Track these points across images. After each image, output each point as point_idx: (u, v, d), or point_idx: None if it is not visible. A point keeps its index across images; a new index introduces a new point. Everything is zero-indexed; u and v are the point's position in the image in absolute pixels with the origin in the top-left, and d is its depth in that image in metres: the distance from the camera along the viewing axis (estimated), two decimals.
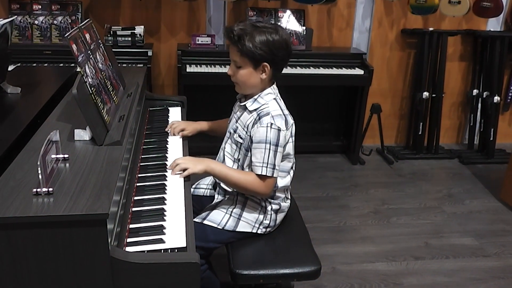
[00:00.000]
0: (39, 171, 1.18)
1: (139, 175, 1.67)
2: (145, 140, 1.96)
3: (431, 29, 3.79)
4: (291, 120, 1.76)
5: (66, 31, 3.30)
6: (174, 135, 2.02)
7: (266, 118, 1.69)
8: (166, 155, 1.84)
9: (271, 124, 1.67)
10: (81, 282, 1.20)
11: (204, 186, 2.04)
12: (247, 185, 1.71)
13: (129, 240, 1.32)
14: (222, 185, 1.84)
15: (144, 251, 1.28)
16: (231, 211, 1.81)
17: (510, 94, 4.20)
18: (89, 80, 1.54)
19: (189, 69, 3.34)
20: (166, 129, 2.04)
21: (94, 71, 1.63)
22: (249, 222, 1.81)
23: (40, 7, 3.36)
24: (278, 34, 1.67)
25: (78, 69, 1.50)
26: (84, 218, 1.14)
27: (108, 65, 1.88)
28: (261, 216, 1.82)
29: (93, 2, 3.51)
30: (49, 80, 2.29)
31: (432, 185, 3.58)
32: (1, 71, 1.90)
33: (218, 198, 1.87)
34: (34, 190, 1.19)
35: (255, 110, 1.74)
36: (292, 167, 1.85)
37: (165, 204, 1.51)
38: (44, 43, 3.32)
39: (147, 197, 1.54)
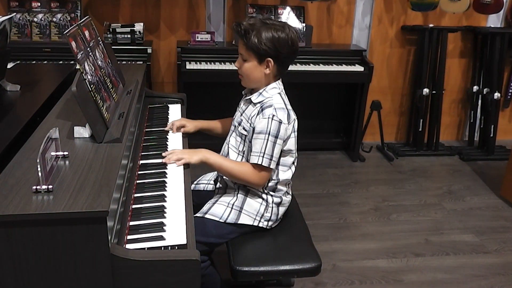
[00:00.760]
0: (39, 169, 1.18)
1: (139, 173, 1.67)
2: (145, 138, 1.95)
3: (431, 25, 3.79)
4: (293, 115, 1.78)
5: (65, 28, 3.30)
6: (174, 132, 2.02)
7: (269, 110, 1.71)
8: (175, 149, 1.83)
9: (273, 115, 1.70)
10: (81, 280, 1.20)
11: (205, 182, 2.05)
12: (240, 175, 1.74)
13: (129, 237, 1.32)
14: (224, 178, 1.86)
15: (144, 249, 1.28)
16: (233, 204, 1.82)
17: (510, 90, 4.20)
18: (89, 77, 1.54)
19: (189, 66, 3.34)
20: (166, 128, 2.04)
21: (93, 69, 1.63)
22: (250, 214, 1.82)
23: (39, 4, 3.35)
24: (285, 32, 1.70)
25: (78, 67, 1.49)
26: (84, 216, 1.14)
27: (107, 63, 1.87)
28: (263, 208, 1.82)
29: (92, 0, 3.50)
30: (48, 77, 2.28)
31: (432, 181, 3.58)
32: (0, 69, 1.89)
33: (219, 192, 1.88)
34: (34, 187, 1.19)
35: (259, 102, 1.77)
36: (293, 162, 1.86)
37: (165, 201, 1.50)
38: (43, 41, 3.32)
39: (147, 194, 1.54)
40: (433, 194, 3.37)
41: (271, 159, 1.71)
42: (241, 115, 1.83)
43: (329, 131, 4.01)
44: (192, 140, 2.04)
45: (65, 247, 1.16)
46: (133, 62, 3.29)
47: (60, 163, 1.36)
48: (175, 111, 2.28)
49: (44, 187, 1.19)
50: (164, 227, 1.37)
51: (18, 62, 3.01)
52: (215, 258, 1.87)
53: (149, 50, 3.33)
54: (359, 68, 3.55)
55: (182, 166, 1.73)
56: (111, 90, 1.76)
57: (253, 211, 1.82)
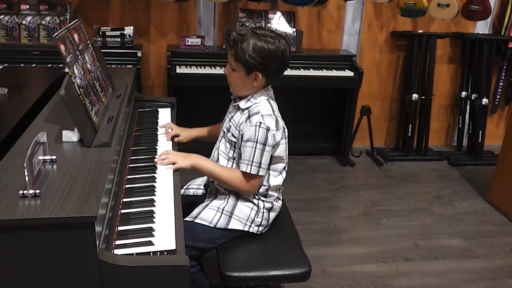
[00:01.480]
0: (26, 173, 1.16)
1: (128, 177, 1.65)
2: (134, 142, 1.94)
3: (420, 31, 3.82)
4: (281, 123, 1.76)
5: (54, 31, 3.27)
6: (168, 140, 2.00)
7: (256, 117, 1.69)
8: (156, 156, 1.82)
9: (260, 123, 1.68)
10: (69, 286, 1.18)
11: (195, 187, 2.04)
12: (230, 181, 1.74)
13: (117, 242, 1.31)
14: (215, 184, 1.85)
15: (133, 254, 1.27)
16: (223, 209, 1.81)
17: (498, 96, 4.24)
18: (78, 81, 1.52)
19: (179, 70, 3.33)
20: (160, 128, 2.03)
21: (82, 72, 1.62)
22: (241, 219, 1.81)
23: (28, 7, 3.33)
24: (275, 44, 1.65)
25: (66, 70, 1.48)
26: (72, 221, 1.12)
27: (97, 66, 1.86)
28: (253, 214, 1.82)
29: (82, 3, 3.48)
30: (36, 80, 2.26)
31: (421, 186, 3.60)
32: None
33: (209, 197, 1.87)
34: (21, 192, 1.18)
35: (247, 109, 1.75)
36: (284, 168, 1.86)
37: (154, 206, 1.49)
38: (32, 44, 3.29)
39: (136, 199, 1.53)
40: (422, 199, 3.39)
41: (259, 167, 1.70)
42: (230, 121, 1.82)
43: (319, 136, 4.02)
44: (185, 145, 2.02)
45: (53, 253, 1.14)
46: (123, 66, 3.27)
47: (48, 168, 1.34)
48: (165, 115, 2.27)
49: (31, 192, 1.18)
50: (153, 232, 1.36)
51: (6, 65, 2.98)
52: (205, 263, 1.85)
53: (139, 54, 3.32)
54: (349, 73, 3.56)
55: (172, 170, 1.72)
56: (100, 94, 1.75)
57: (243, 216, 1.81)
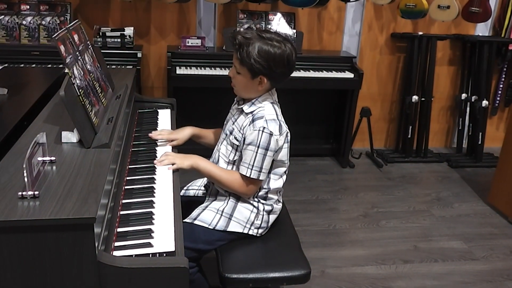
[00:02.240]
0: (25, 174, 1.16)
1: (127, 178, 1.65)
2: (134, 143, 1.94)
3: (420, 33, 3.82)
4: (285, 127, 1.75)
5: (54, 31, 3.27)
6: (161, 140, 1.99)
7: (260, 121, 1.69)
8: (156, 157, 1.82)
9: (264, 128, 1.67)
10: (68, 287, 1.18)
11: (195, 187, 2.03)
12: (228, 184, 1.74)
13: (116, 244, 1.31)
14: (215, 185, 1.84)
15: (132, 255, 1.26)
16: (222, 211, 1.80)
17: (498, 98, 4.24)
18: (77, 81, 1.52)
19: (179, 71, 3.33)
20: (152, 135, 1.97)
21: (82, 73, 1.62)
22: (241, 222, 1.80)
23: (28, 7, 3.32)
24: (281, 48, 1.64)
25: (66, 71, 1.48)
26: (71, 222, 1.12)
27: (96, 67, 1.86)
28: (253, 216, 1.81)
29: (82, 3, 3.48)
30: (36, 81, 2.26)
31: (421, 188, 3.59)
32: None
33: (209, 199, 1.87)
34: (20, 193, 1.17)
35: (251, 112, 1.74)
36: (285, 172, 1.85)
37: (153, 207, 1.49)
38: (32, 44, 3.29)
39: (135, 200, 1.52)
40: (422, 201, 3.39)
41: (260, 171, 1.70)
42: (233, 124, 1.81)
43: (318, 137, 4.02)
44: (185, 145, 2.02)
45: (51, 254, 1.14)
46: (123, 67, 3.27)
47: (47, 169, 1.34)
48: (164, 116, 2.27)
49: (30, 193, 1.17)
50: (152, 234, 1.35)
51: (6, 65, 2.98)
52: (204, 265, 1.85)
53: (139, 55, 3.32)
54: (349, 74, 3.56)
55: (171, 172, 1.71)
56: (100, 94, 1.75)
57: (243, 219, 1.81)
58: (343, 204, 3.28)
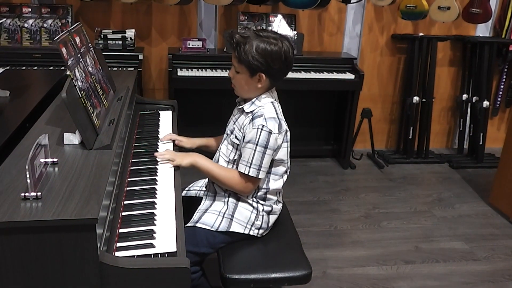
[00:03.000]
0: (28, 175, 1.17)
1: (129, 179, 1.66)
2: (136, 144, 1.95)
3: (421, 34, 3.82)
4: (285, 126, 1.76)
5: (56, 34, 3.28)
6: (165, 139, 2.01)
7: (259, 119, 1.70)
8: (157, 159, 1.82)
9: (263, 126, 1.68)
10: None
11: (197, 188, 2.03)
12: (227, 181, 1.75)
13: (118, 245, 1.31)
14: (214, 185, 1.85)
15: (133, 256, 1.27)
16: (224, 213, 1.81)
17: (499, 99, 4.24)
18: (79, 83, 1.53)
19: (180, 73, 3.34)
20: (162, 138, 2.01)
21: (84, 75, 1.62)
22: (241, 222, 1.81)
23: (30, 10, 3.34)
24: (278, 45, 1.66)
25: (68, 73, 1.49)
26: (73, 223, 1.13)
27: (98, 69, 1.87)
28: (253, 217, 1.82)
29: (84, 6, 3.49)
30: (38, 83, 2.27)
31: (422, 189, 3.60)
32: None
33: (207, 199, 1.87)
34: (22, 194, 1.18)
35: (251, 112, 1.75)
36: (286, 171, 1.85)
37: (155, 208, 1.50)
38: (34, 46, 3.30)
39: (137, 201, 1.53)
40: (423, 202, 3.39)
41: (259, 170, 1.70)
42: (234, 123, 1.82)
43: (319, 138, 4.02)
44: (184, 148, 2.02)
45: (54, 255, 1.14)
46: (124, 69, 3.28)
47: (49, 170, 1.35)
48: (166, 118, 2.27)
49: (32, 194, 1.18)
50: (154, 235, 1.36)
51: (8, 67, 2.99)
52: (205, 266, 1.86)
53: (140, 57, 3.33)
54: (349, 76, 3.57)
55: (173, 173, 1.72)
56: (101, 96, 1.76)
57: (243, 219, 1.81)
58: (344, 205, 3.29)
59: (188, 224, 1.78)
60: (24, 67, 3.15)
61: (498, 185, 3.26)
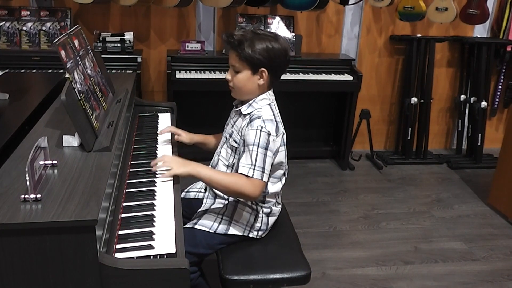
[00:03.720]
0: (27, 178, 1.17)
1: (128, 181, 1.66)
2: (135, 146, 1.95)
3: (419, 35, 3.84)
4: (282, 128, 1.76)
5: (55, 37, 3.29)
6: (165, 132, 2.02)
7: (257, 121, 1.69)
8: (165, 155, 1.82)
9: (261, 127, 1.67)
10: None
11: (196, 190, 2.03)
12: (232, 186, 1.65)
13: (118, 246, 1.32)
14: (213, 189, 1.84)
15: (133, 257, 1.27)
16: (222, 215, 1.81)
17: (497, 99, 4.26)
18: (78, 86, 1.54)
19: (179, 75, 3.34)
20: (159, 131, 2.03)
21: (83, 77, 1.63)
22: (240, 225, 1.81)
23: (28, 13, 3.35)
24: (278, 42, 1.69)
25: (67, 75, 1.49)
26: (73, 225, 1.13)
27: (97, 71, 1.87)
28: (252, 219, 1.82)
29: (82, 8, 3.50)
30: (37, 86, 2.28)
31: (421, 190, 3.60)
32: None
33: (207, 202, 1.87)
34: (22, 196, 1.19)
35: (248, 114, 1.75)
36: (284, 174, 1.85)
37: (154, 210, 1.50)
38: (33, 49, 3.31)
39: (136, 203, 1.53)
40: (422, 202, 3.40)
41: (263, 172, 1.65)
42: (232, 126, 1.82)
43: (318, 139, 4.03)
44: (185, 149, 2.03)
45: (54, 256, 1.15)
46: (123, 71, 3.29)
47: (49, 172, 1.35)
48: (164, 120, 2.28)
49: (32, 196, 1.19)
50: (153, 236, 1.36)
51: (7, 70, 3.00)
52: (205, 267, 1.86)
53: (139, 59, 3.34)
54: (348, 77, 3.57)
55: None
56: (100, 99, 1.76)
57: (243, 221, 1.82)
58: (343, 206, 3.29)
59: (187, 226, 1.79)
60: (23, 70, 3.15)
61: (497, 186, 3.27)
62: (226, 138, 1.84)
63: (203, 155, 2.08)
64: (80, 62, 1.67)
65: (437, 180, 3.78)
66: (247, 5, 3.50)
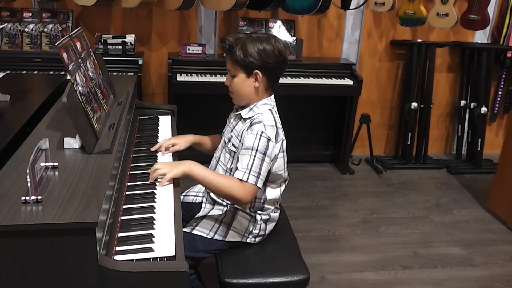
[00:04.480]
0: (28, 179, 1.18)
1: (128, 184, 1.67)
2: (135, 149, 1.96)
3: (419, 40, 3.84)
4: (282, 135, 1.75)
5: (56, 39, 3.30)
6: (163, 154, 1.91)
7: (258, 126, 1.69)
8: (156, 163, 1.83)
9: (262, 132, 1.67)
10: None
11: (194, 193, 2.03)
12: (224, 188, 1.63)
13: (118, 248, 1.32)
14: (212, 194, 1.84)
15: (133, 260, 1.28)
16: (221, 221, 1.81)
17: (497, 105, 4.26)
18: (79, 88, 1.54)
19: (180, 78, 3.35)
20: (153, 149, 1.92)
21: (84, 80, 1.64)
22: (239, 232, 1.81)
23: (30, 14, 3.35)
24: (270, 43, 1.68)
25: (68, 77, 1.50)
26: (73, 227, 1.14)
27: (98, 74, 1.88)
28: (251, 226, 1.82)
29: (84, 11, 3.51)
30: (38, 88, 2.28)
31: (420, 194, 3.61)
32: None
33: (206, 207, 1.87)
34: (23, 198, 1.19)
35: (249, 118, 1.74)
36: (285, 181, 1.85)
37: (154, 212, 1.50)
38: (34, 51, 3.31)
39: (136, 205, 1.54)
40: (421, 207, 3.40)
41: (258, 177, 1.64)
42: (232, 131, 1.81)
43: (318, 143, 4.03)
44: (184, 152, 2.03)
45: (54, 258, 1.15)
46: (124, 73, 3.29)
47: (50, 174, 1.36)
48: (165, 123, 2.28)
49: (33, 197, 1.19)
50: (153, 239, 1.37)
51: (9, 72, 3.00)
52: (204, 270, 1.86)
53: (140, 62, 3.34)
54: (348, 81, 3.58)
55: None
56: (101, 101, 1.77)
57: (241, 228, 1.81)
58: (342, 210, 3.29)
59: (185, 230, 1.78)
60: (24, 72, 3.16)
61: (496, 191, 3.27)
62: (225, 142, 1.83)
63: (201, 158, 2.06)
64: (81, 64, 1.67)
65: (437, 185, 3.78)
66: (249, 9, 3.51)
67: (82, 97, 1.53)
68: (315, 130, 3.98)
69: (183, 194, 2.05)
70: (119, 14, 3.57)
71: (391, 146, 4.29)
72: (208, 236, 1.79)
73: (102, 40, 3.37)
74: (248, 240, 1.83)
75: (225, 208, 1.82)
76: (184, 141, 1.98)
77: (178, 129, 2.23)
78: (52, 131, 1.65)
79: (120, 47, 3.39)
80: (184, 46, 3.47)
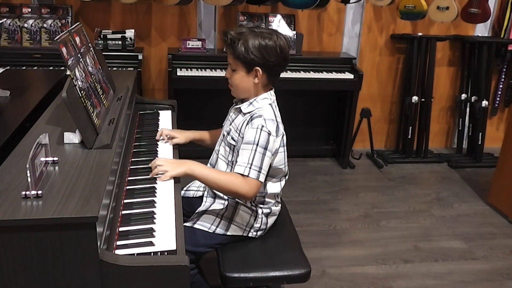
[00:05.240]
0: (28, 174, 1.18)
1: (129, 178, 1.67)
2: (135, 144, 1.96)
3: (420, 34, 3.83)
4: (282, 129, 1.75)
5: (56, 34, 3.29)
6: (165, 138, 1.98)
7: (258, 120, 1.68)
8: (157, 158, 1.83)
9: (262, 126, 1.66)
10: (70, 285, 1.19)
11: (194, 188, 2.02)
12: (227, 185, 1.63)
13: (118, 243, 1.32)
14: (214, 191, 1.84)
15: (133, 254, 1.28)
16: (222, 215, 1.81)
17: (497, 98, 4.25)
18: (79, 83, 1.54)
19: (180, 73, 3.35)
20: (156, 137, 1.98)
21: (84, 75, 1.63)
22: (240, 226, 1.81)
23: (29, 10, 3.35)
24: (272, 39, 1.66)
25: (68, 73, 1.50)
26: (74, 221, 1.14)
27: (98, 69, 1.88)
28: (252, 220, 1.82)
29: (83, 6, 3.50)
30: (38, 83, 2.28)
31: (421, 188, 3.61)
32: None
33: (207, 201, 1.86)
34: (23, 193, 1.19)
35: (249, 112, 1.74)
36: (285, 175, 1.85)
37: (155, 207, 1.50)
38: (34, 47, 3.31)
39: (137, 200, 1.54)
40: (422, 201, 3.40)
41: (259, 171, 1.63)
42: (230, 124, 1.81)
43: (319, 138, 4.03)
44: (181, 147, 2.03)
45: (54, 253, 1.15)
46: (124, 69, 3.29)
47: (50, 169, 1.36)
48: (165, 118, 2.28)
49: (33, 192, 1.19)
50: (153, 233, 1.37)
51: (8, 67, 2.99)
52: (205, 264, 1.87)
53: (140, 57, 3.34)
54: (349, 75, 3.58)
55: None
56: (101, 96, 1.77)
57: (243, 223, 1.82)
58: (343, 204, 3.30)
59: (186, 224, 1.79)
60: (24, 67, 3.16)
61: (497, 185, 3.27)
62: (224, 135, 1.83)
63: (202, 153, 2.07)
64: (81, 60, 1.67)
65: (437, 179, 3.78)
66: (248, 3, 3.50)
67: (82, 92, 1.53)
68: (315, 125, 3.98)
69: (184, 189, 2.05)
70: (119, 9, 3.56)
71: (392, 140, 4.28)
72: (209, 230, 1.79)
73: (101, 36, 3.36)
74: (250, 234, 1.83)
75: (226, 202, 1.82)
76: (184, 137, 2.01)
77: (178, 124, 2.23)
78: (52, 126, 1.64)
79: (120, 42, 3.38)
80: (184, 41, 3.47)
